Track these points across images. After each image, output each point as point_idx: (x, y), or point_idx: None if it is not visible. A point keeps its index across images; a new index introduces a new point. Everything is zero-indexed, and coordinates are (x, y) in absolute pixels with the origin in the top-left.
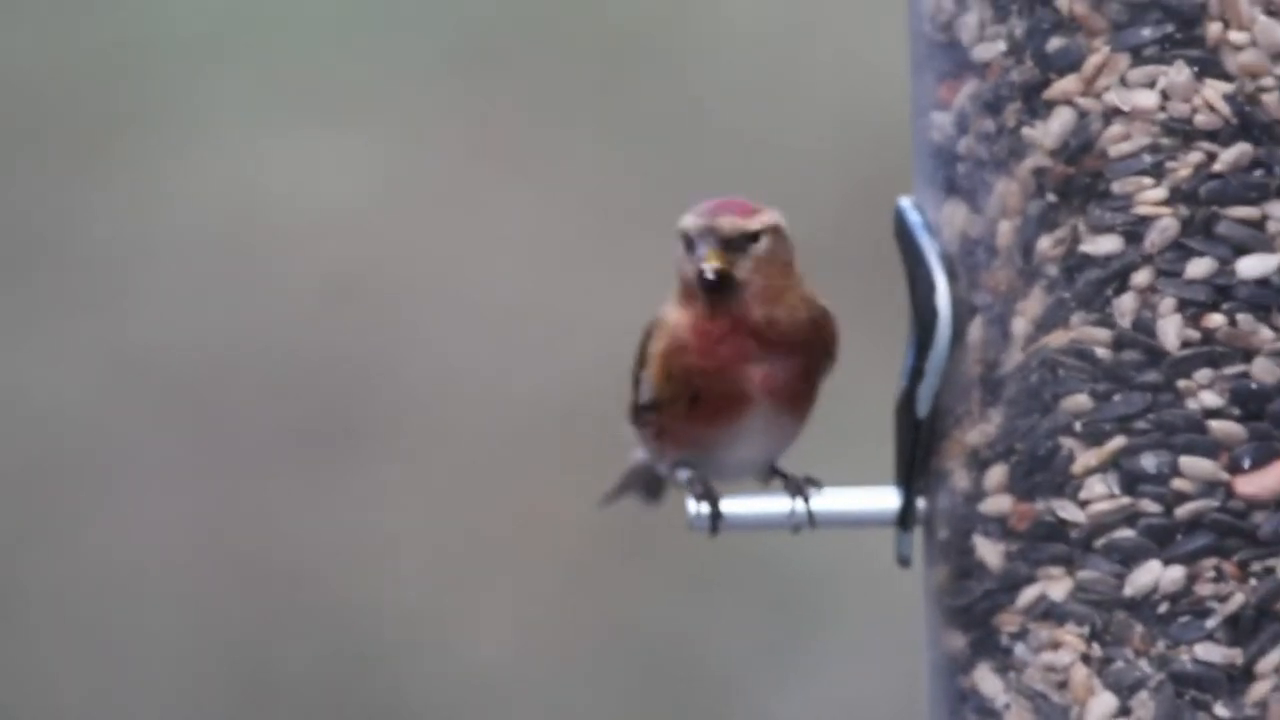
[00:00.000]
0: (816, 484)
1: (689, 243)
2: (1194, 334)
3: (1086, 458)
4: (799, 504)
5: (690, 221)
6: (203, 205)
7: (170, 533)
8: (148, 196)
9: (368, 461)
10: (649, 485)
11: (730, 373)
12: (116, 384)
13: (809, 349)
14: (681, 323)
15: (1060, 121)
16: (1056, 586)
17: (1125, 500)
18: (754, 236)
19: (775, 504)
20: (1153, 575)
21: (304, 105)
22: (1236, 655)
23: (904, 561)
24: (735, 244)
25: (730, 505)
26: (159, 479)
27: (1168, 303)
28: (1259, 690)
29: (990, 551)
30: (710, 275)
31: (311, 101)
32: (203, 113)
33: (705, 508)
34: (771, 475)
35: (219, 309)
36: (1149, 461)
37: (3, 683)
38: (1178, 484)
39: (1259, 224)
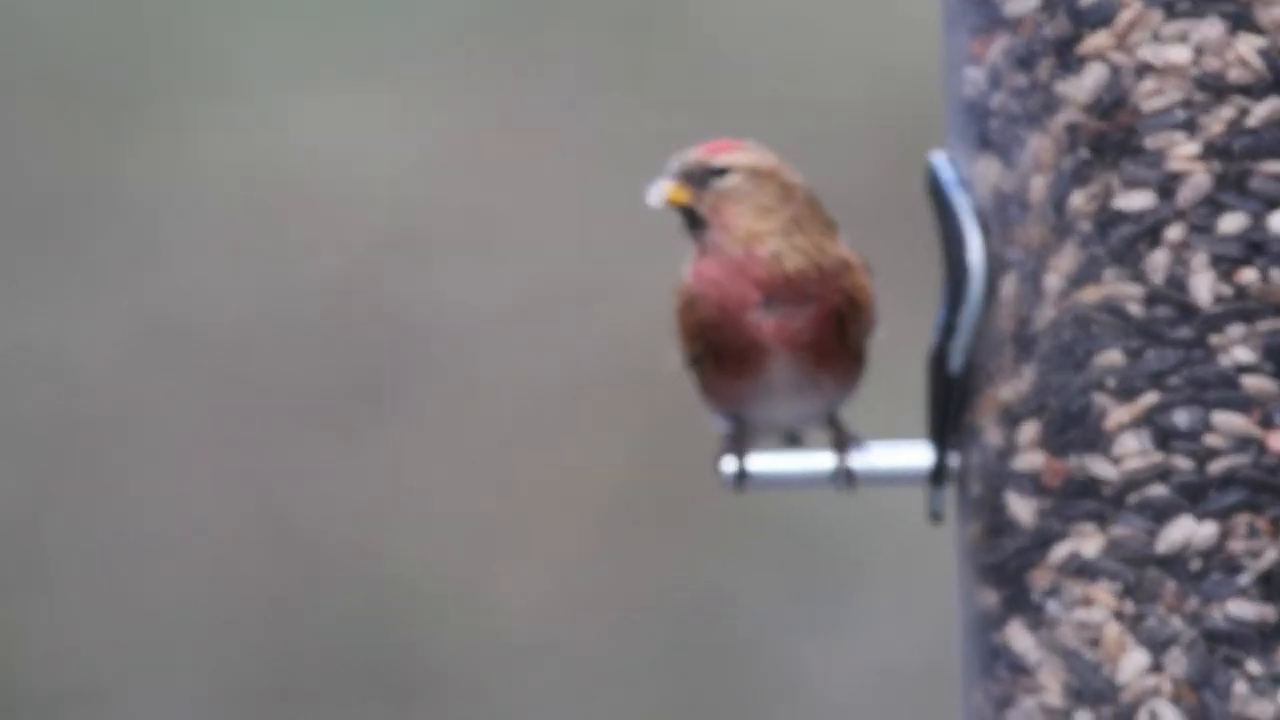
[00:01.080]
0: (857, 440)
1: (696, 178)
2: (1226, 290)
3: (1119, 414)
4: (840, 460)
5: (687, 159)
6: (236, 166)
7: (200, 494)
8: (181, 157)
9: (399, 423)
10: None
11: (738, 322)
12: (147, 345)
13: (822, 300)
14: (686, 274)
15: (1093, 77)
16: (1089, 543)
17: (1158, 456)
18: (719, 172)
19: (803, 461)
20: (1185, 532)
21: (338, 66)
22: (1269, 612)
23: (936, 518)
24: (696, 177)
25: (757, 463)
26: (189, 440)
27: (1200, 258)
28: None
29: (1022, 508)
30: (651, 201)
31: (346, 63)
32: (237, 73)
33: (732, 464)
34: (830, 428)
35: (251, 270)
36: (1181, 418)
37: (32, 645)
38: (1210, 440)
39: None
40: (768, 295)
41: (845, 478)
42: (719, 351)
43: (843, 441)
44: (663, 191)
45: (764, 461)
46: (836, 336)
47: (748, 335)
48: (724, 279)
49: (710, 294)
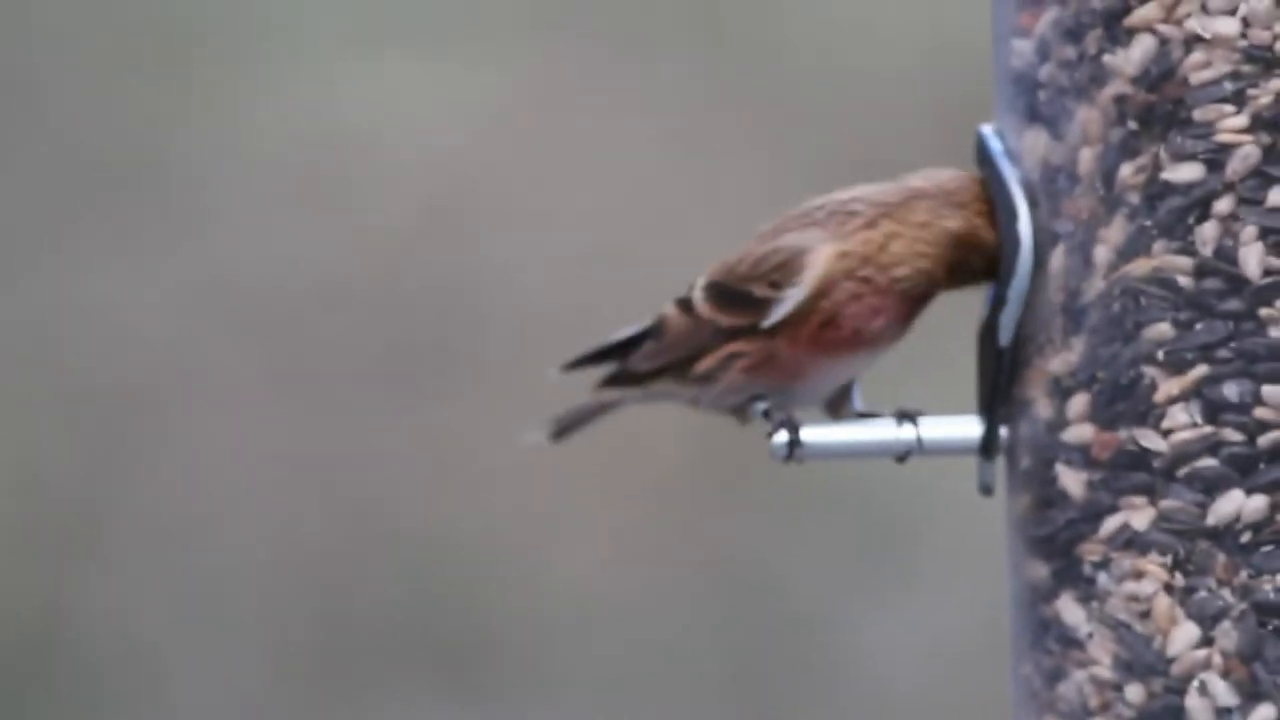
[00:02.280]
0: (913, 416)
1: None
2: (1276, 262)
3: (1169, 386)
4: (904, 431)
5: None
6: (292, 133)
7: (254, 460)
8: (236, 123)
9: (455, 390)
10: (565, 426)
11: (883, 320)
12: (202, 311)
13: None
14: (894, 274)
15: (1141, 49)
16: (1139, 516)
17: (1208, 429)
18: None
19: (857, 432)
20: (1235, 504)
21: (394, 35)
22: None
23: (987, 490)
24: None
25: (812, 434)
26: (243, 406)
27: (1249, 230)
28: None
29: (1073, 480)
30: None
31: (402, 31)
32: (293, 41)
33: (784, 436)
34: (842, 409)
35: (306, 236)
36: (1231, 390)
37: (84, 611)
38: (1260, 413)
39: None
40: (904, 321)
41: (911, 447)
42: (835, 318)
43: (904, 412)
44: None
45: (818, 433)
46: None
47: (880, 328)
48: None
49: (893, 304)
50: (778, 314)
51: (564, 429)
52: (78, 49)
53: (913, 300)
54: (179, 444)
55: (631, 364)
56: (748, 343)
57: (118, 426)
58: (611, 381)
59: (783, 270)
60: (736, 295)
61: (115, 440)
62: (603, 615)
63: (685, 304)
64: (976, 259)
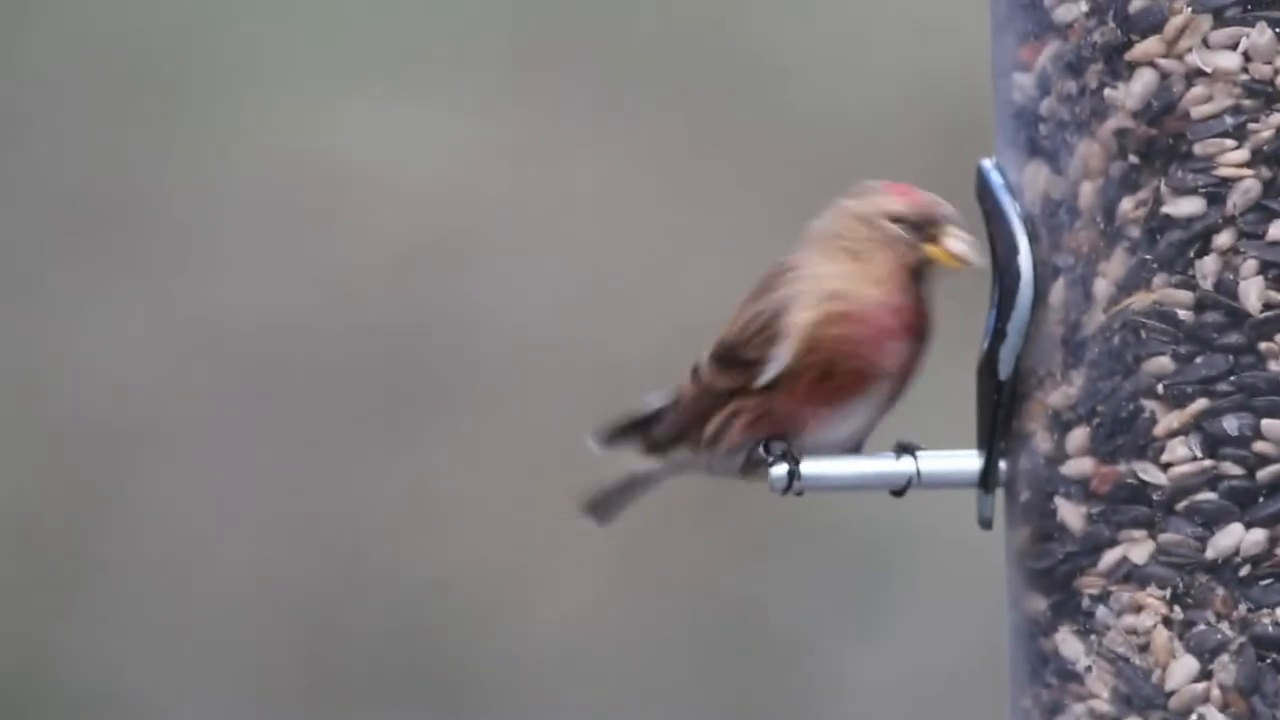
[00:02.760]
0: (915, 447)
1: (912, 223)
2: (1276, 296)
3: (1168, 420)
4: (903, 464)
5: (912, 205)
6: (274, 171)
7: (238, 499)
8: (219, 162)
9: (438, 427)
10: (610, 506)
11: (878, 350)
12: (186, 349)
13: (931, 337)
14: (866, 295)
15: (1142, 83)
16: (1138, 549)
17: (1207, 463)
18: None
19: (857, 465)
20: (1234, 538)
21: (379, 74)
22: None
23: (986, 523)
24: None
25: (811, 466)
26: (227, 445)
27: (1250, 264)
28: None
29: (1072, 514)
30: (972, 260)
31: (385, 67)
32: (277, 82)
33: (784, 469)
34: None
35: (290, 278)
36: (1231, 424)
37: (71, 651)
38: (1260, 446)
39: None
40: (910, 333)
41: (908, 481)
42: (830, 371)
43: (903, 445)
44: (969, 248)
45: (817, 466)
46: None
47: (876, 363)
48: (897, 312)
49: (881, 323)
50: (768, 374)
51: (605, 508)
52: (60, 92)
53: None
54: (163, 484)
55: (655, 435)
56: (745, 400)
57: (102, 466)
58: (646, 450)
59: (767, 332)
60: (732, 359)
61: (100, 480)
62: (586, 651)
63: (695, 372)
64: (865, 230)
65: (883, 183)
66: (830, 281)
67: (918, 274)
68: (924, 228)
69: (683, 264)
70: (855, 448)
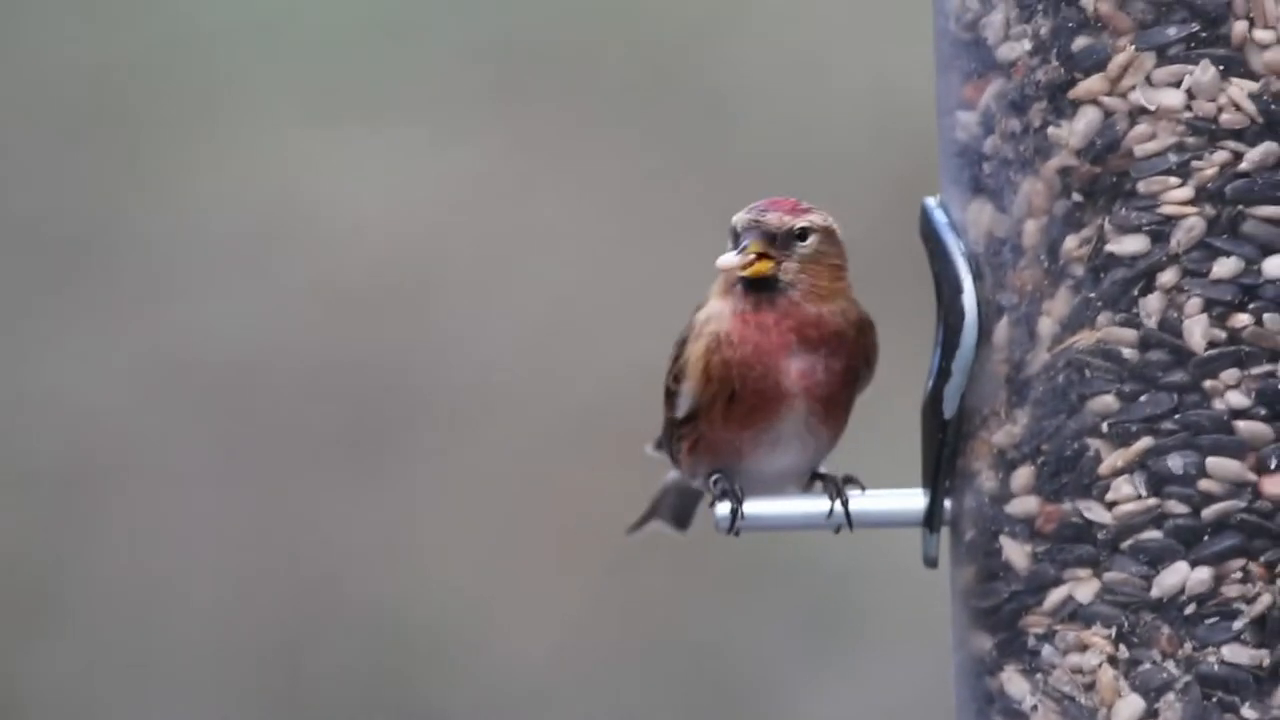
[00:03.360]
0: (857, 484)
1: (735, 237)
2: (1220, 334)
3: (1113, 458)
4: (838, 505)
5: (738, 216)
6: (241, 207)
7: (207, 535)
8: (188, 196)
9: (404, 464)
10: (678, 511)
11: (769, 365)
12: (153, 386)
13: (850, 354)
14: (723, 314)
15: (1086, 121)
16: (1083, 588)
17: (1152, 501)
18: (800, 234)
19: (798, 505)
20: (1180, 576)
21: (344, 107)
22: (1264, 656)
23: (931, 563)
24: (781, 241)
25: (753, 506)
26: (195, 481)
27: (1194, 302)
28: None
29: (1017, 552)
30: (743, 273)
31: (351, 103)
32: (245, 116)
33: (727, 508)
34: (812, 480)
35: (258, 313)
36: (1176, 462)
37: (39, 683)
38: (1205, 485)
39: None
40: (806, 346)
41: (843, 521)
42: (737, 394)
43: (839, 485)
44: (743, 261)
45: (759, 505)
46: (847, 393)
47: (775, 380)
48: (771, 326)
49: (750, 338)
50: (682, 408)
51: (674, 517)
52: (27, 124)
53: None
54: (132, 519)
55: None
56: (682, 428)
57: (70, 501)
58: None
59: (677, 364)
60: (666, 389)
61: (69, 514)
62: (554, 689)
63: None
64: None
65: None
66: (710, 305)
67: (753, 285)
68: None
69: (650, 300)
70: (807, 476)
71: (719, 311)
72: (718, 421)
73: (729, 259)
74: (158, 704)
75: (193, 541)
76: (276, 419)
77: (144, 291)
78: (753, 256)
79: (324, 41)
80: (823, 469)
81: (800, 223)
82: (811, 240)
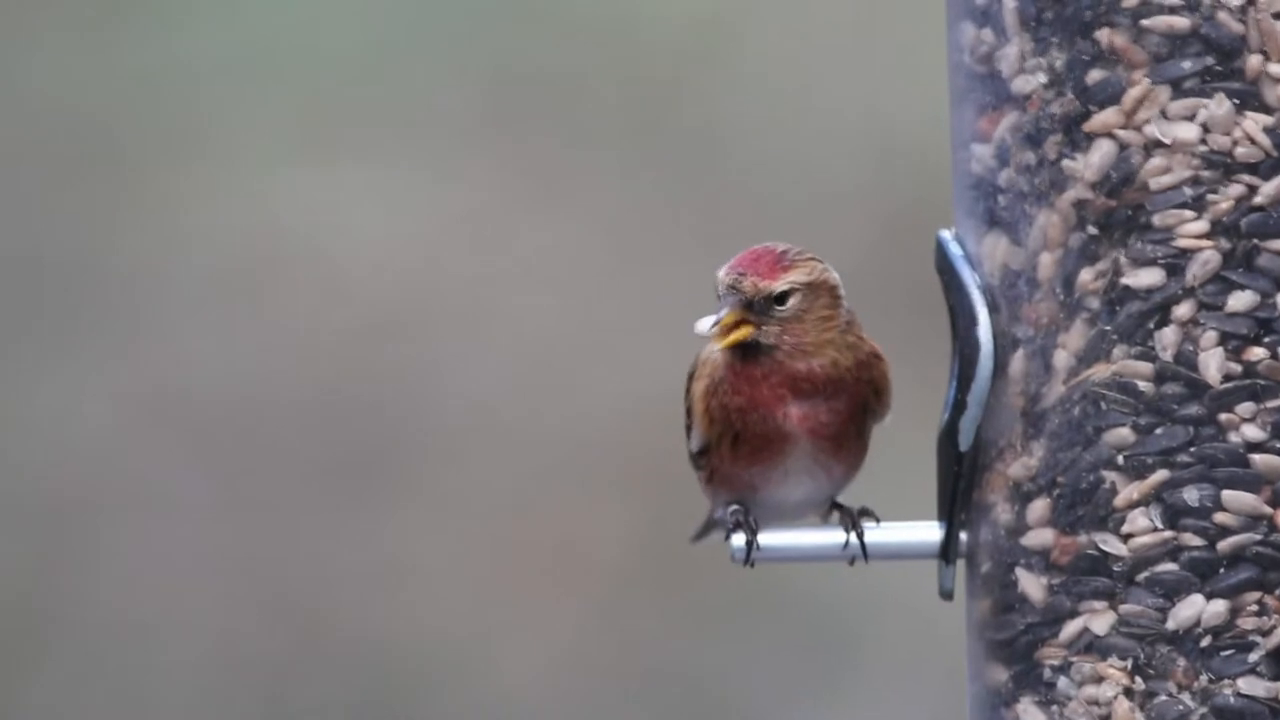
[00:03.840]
0: (872, 516)
1: (718, 295)
2: (1236, 367)
3: (1129, 491)
4: (853, 537)
5: (720, 274)
6: (233, 237)
7: (195, 568)
8: (175, 232)
9: (395, 497)
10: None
11: (767, 410)
12: (143, 419)
13: (853, 393)
14: (719, 361)
15: (1101, 154)
16: (1099, 620)
17: (1168, 534)
18: (780, 298)
19: (813, 537)
20: (1195, 609)
21: (336, 138)
22: (1279, 689)
23: (947, 595)
24: (759, 306)
25: (768, 538)
26: (186, 514)
27: (1209, 336)
28: None
29: (1033, 585)
30: (720, 344)
31: (343, 135)
32: (231, 148)
33: (742, 539)
34: (831, 510)
35: (247, 345)
36: (1191, 495)
37: (29, 717)
38: (1220, 517)
39: None
40: (800, 395)
41: (858, 552)
42: (740, 436)
43: (854, 517)
44: (720, 329)
45: (774, 537)
46: (857, 426)
47: (776, 424)
48: (759, 379)
49: (743, 389)
50: (695, 443)
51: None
52: (11, 162)
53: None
54: (121, 551)
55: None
56: (698, 459)
57: (59, 534)
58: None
59: (686, 400)
60: (685, 425)
61: (57, 547)
62: (546, 718)
63: None
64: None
65: (754, 248)
66: (710, 347)
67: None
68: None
69: (640, 333)
70: (827, 505)
71: (715, 357)
72: (727, 458)
73: (705, 325)
74: None
75: (184, 574)
76: (268, 452)
77: (136, 326)
78: (730, 324)
79: (312, 77)
80: (841, 500)
81: (779, 286)
82: (792, 302)
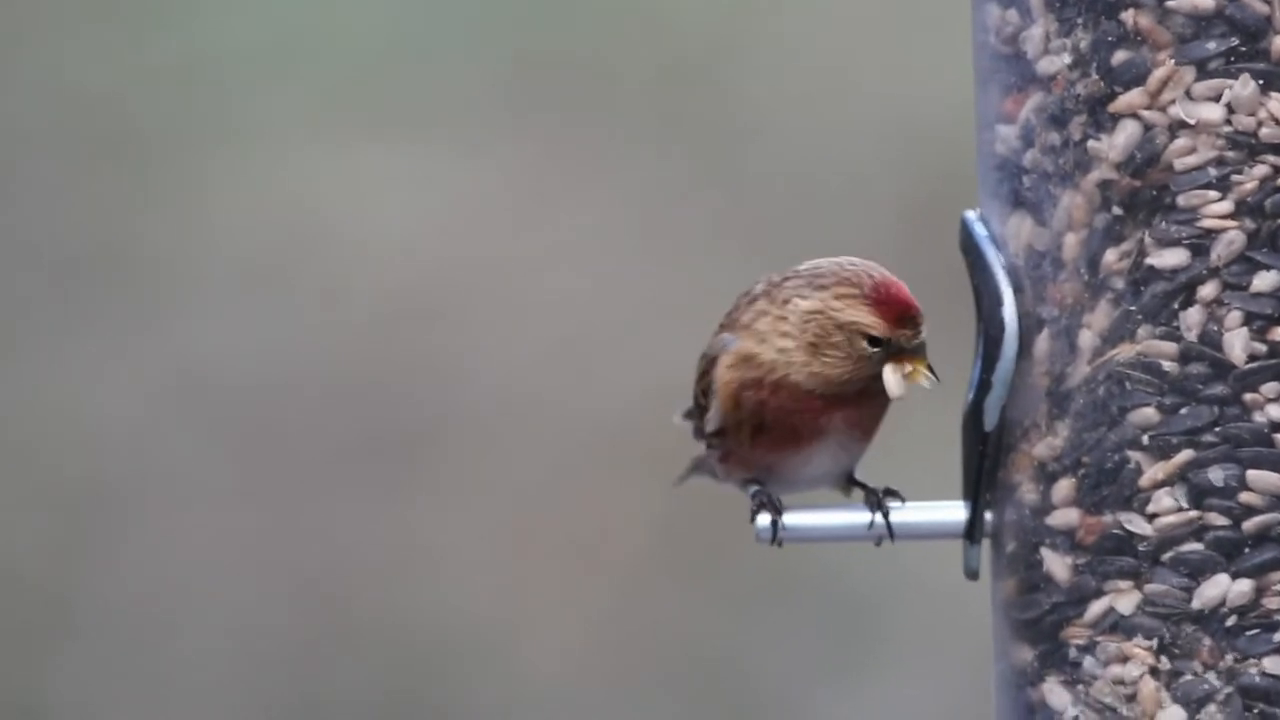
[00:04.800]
0: (898, 496)
1: (888, 346)
2: (1260, 347)
3: (1154, 471)
4: (879, 517)
5: (893, 330)
6: (257, 222)
7: (221, 551)
8: (202, 213)
9: (420, 481)
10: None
11: (810, 414)
12: (168, 403)
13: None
14: (783, 374)
15: (1126, 135)
16: (1124, 600)
17: (1193, 513)
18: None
19: (838, 517)
20: (1221, 588)
21: (359, 122)
22: None
23: (972, 574)
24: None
25: (793, 518)
26: (210, 498)
27: (1234, 316)
28: None
29: (1058, 564)
30: (901, 394)
31: (367, 118)
32: (258, 130)
33: (767, 519)
34: (851, 485)
35: (272, 329)
36: (1216, 475)
37: (53, 704)
38: (1245, 497)
39: None
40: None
41: (884, 532)
42: (766, 426)
43: (879, 497)
44: (931, 384)
45: (799, 517)
46: (883, 413)
47: (811, 422)
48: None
49: (799, 401)
50: (711, 424)
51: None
52: (39, 145)
53: (823, 395)
54: (146, 536)
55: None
56: (711, 438)
57: (85, 519)
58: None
59: (705, 380)
60: (695, 399)
61: (82, 533)
62: (571, 703)
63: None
64: (838, 336)
65: (872, 275)
66: (762, 350)
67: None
68: (892, 349)
69: (667, 317)
70: (844, 478)
71: (779, 364)
72: (745, 443)
73: (926, 383)
74: (173, 717)
75: (208, 558)
76: (293, 436)
77: (160, 310)
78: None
79: (338, 60)
80: (860, 477)
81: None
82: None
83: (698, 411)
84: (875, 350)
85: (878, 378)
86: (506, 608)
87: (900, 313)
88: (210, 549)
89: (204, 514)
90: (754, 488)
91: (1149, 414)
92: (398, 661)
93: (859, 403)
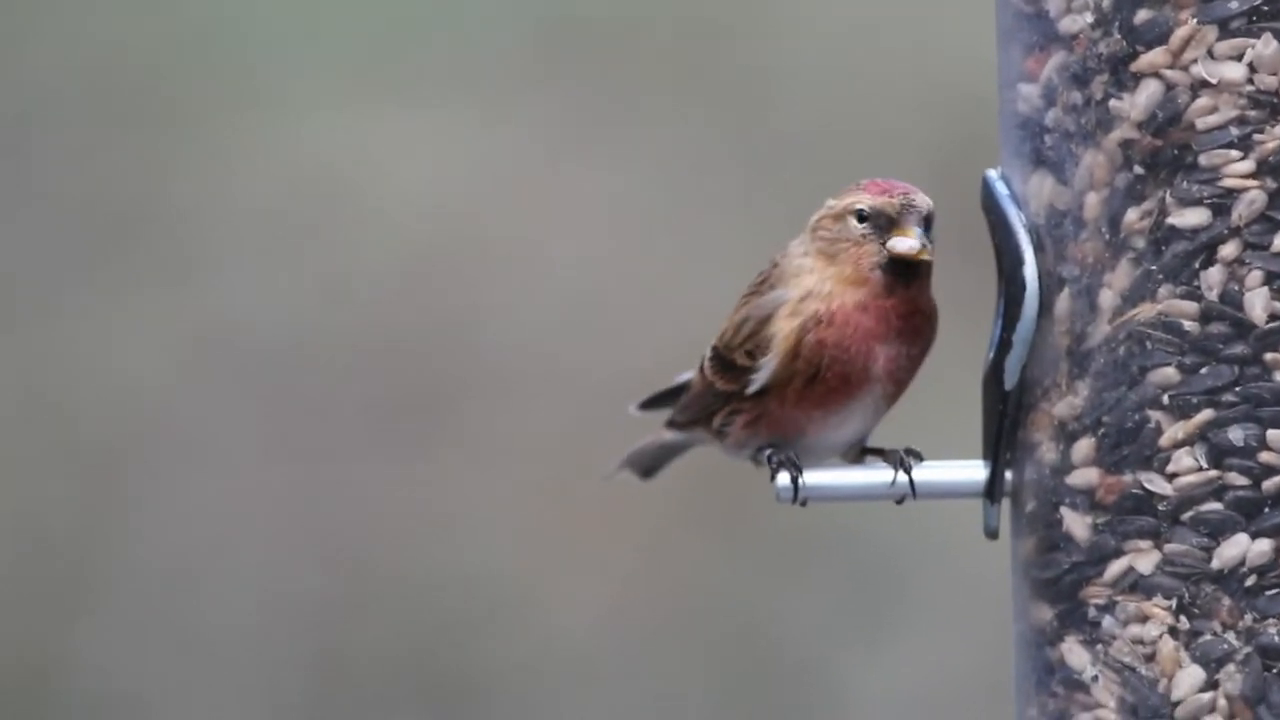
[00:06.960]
0: (918, 455)
1: (878, 219)
2: None
3: (1174, 430)
4: (900, 475)
5: (878, 200)
6: (284, 184)
7: (245, 508)
8: (230, 175)
9: (450, 436)
10: (649, 464)
11: (862, 352)
12: (194, 363)
13: (927, 340)
14: (830, 295)
15: (1147, 94)
16: (1144, 559)
17: (1213, 473)
18: (930, 220)
19: (859, 475)
20: (1240, 548)
21: (385, 85)
22: None
23: (992, 534)
24: (927, 223)
25: (813, 476)
26: (234, 454)
27: (1255, 275)
28: None
29: (1078, 524)
30: (928, 256)
31: (393, 82)
32: (286, 93)
33: (787, 478)
34: (860, 454)
35: (297, 289)
36: (1236, 434)
37: (79, 659)
38: (1265, 457)
39: None
40: (902, 334)
41: (906, 490)
42: (820, 375)
43: (901, 456)
44: (920, 246)
45: (819, 475)
46: (916, 371)
47: (864, 366)
48: (888, 310)
49: (858, 323)
50: (758, 382)
51: (643, 467)
52: (64, 105)
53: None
54: (172, 494)
55: (673, 414)
56: (742, 402)
57: (111, 478)
58: (668, 425)
59: (755, 339)
60: (726, 362)
61: (108, 491)
62: (597, 660)
63: (701, 366)
64: (837, 226)
65: (869, 180)
66: (807, 282)
67: (898, 271)
68: (886, 225)
69: (689, 275)
70: (857, 446)
71: (821, 290)
72: (790, 400)
73: (906, 245)
74: (198, 676)
75: (234, 515)
76: (319, 396)
77: (185, 270)
78: (922, 244)
79: (364, 24)
80: (873, 443)
81: (932, 204)
82: (935, 223)
83: (728, 376)
84: (865, 225)
85: (902, 274)
86: (531, 566)
87: (885, 189)
88: (235, 507)
89: (229, 471)
90: (769, 451)
91: (1169, 373)
92: (423, 620)
93: (900, 337)
